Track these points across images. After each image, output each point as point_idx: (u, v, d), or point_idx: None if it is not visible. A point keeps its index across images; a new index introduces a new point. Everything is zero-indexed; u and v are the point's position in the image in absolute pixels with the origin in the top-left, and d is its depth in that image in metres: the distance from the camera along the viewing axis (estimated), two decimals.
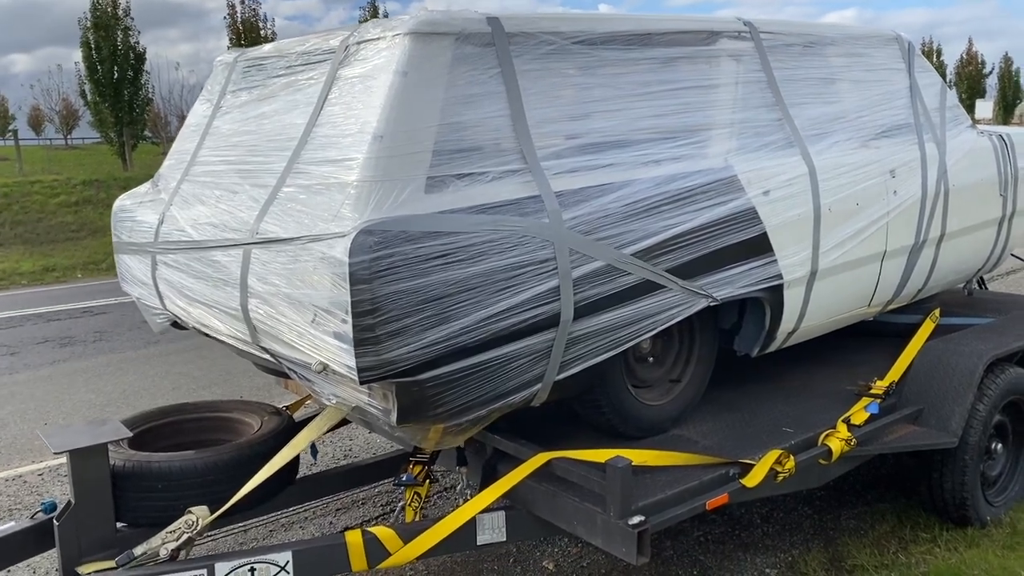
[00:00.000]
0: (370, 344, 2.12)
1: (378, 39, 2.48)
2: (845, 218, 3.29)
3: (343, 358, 2.18)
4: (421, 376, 2.23)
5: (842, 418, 3.12)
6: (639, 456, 2.67)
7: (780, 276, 3.07)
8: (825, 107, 3.39)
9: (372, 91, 2.39)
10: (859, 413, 3.18)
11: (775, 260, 3.04)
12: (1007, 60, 61.87)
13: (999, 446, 3.47)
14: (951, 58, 56.91)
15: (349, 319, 2.11)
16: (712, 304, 2.89)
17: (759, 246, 2.98)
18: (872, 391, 3.33)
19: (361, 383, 2.18)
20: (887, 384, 3.35)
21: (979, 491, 3.34)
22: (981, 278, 5.07)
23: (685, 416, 3.15)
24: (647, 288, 2.68)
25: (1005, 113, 58.80)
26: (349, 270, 2.10)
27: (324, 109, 2.58)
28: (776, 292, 3.10)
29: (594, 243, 2.52)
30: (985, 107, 49.34)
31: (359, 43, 2.55)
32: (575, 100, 2.68)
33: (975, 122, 4.44)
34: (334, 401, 2.53)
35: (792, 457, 2.81)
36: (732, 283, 2.92)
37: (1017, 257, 5.23)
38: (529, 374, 2.49)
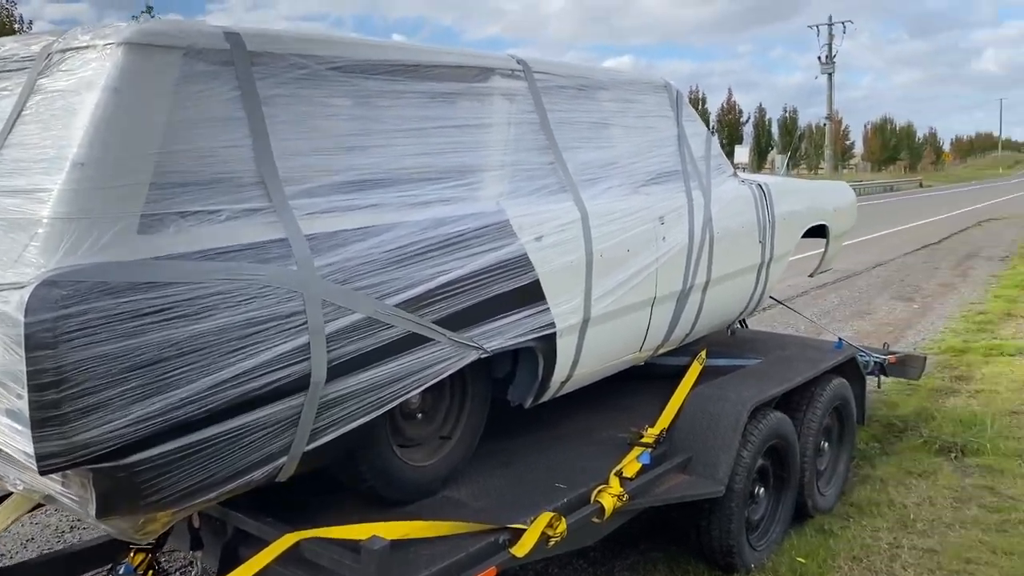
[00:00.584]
0: (54, 425, 1.71)
1: (87, 48, 2.06)
2: (616, 264, 3.24)
3: (19, 442, 1.74)
4: (127, 460, 1.83)
5: (614, 471, 3.03)
6: (400, 529, 2.41)
7: (553, 324, 2.94)
8: (598, 152, 3.34)
9: (75, 109, 1.97)
10: (631, 464, 3.11)
11: (547, 308, 2.91)
12: (761, 110, 68.91)
13: (761, 490, 3.55)
14: (714, 106, 62.40)
15: (25, 394, 1.68)
16: (483, 356, 2.70)
17: (531, 294, 2.84)
18: (643, 439, 3.28)
19: (42, 473, 1.74)
20: (658, 432, 3.32)
21: (744, 537, 3.38)
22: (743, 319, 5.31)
23: (456, 475, 2.93)
24: (413, 342, 2.43)
25: (759, 158, 65.22)
26: (25, 331, 1.67)
27: (16, 127, 2.11)
28: (549, 341, 2.97)
29: (352, 293, 2.24)
30: (743, 152, 54.43)
31: (64, 51, 2.12)
32: (332, 132, 2.39)
33: (737, 168, 4.64)
34: (20, 488, 2.05)
35: (564, 520, 2.66)
36: (504, 333, 2.74)
37: (774, 300, 5.54)
38: (272, 447, 2.15)
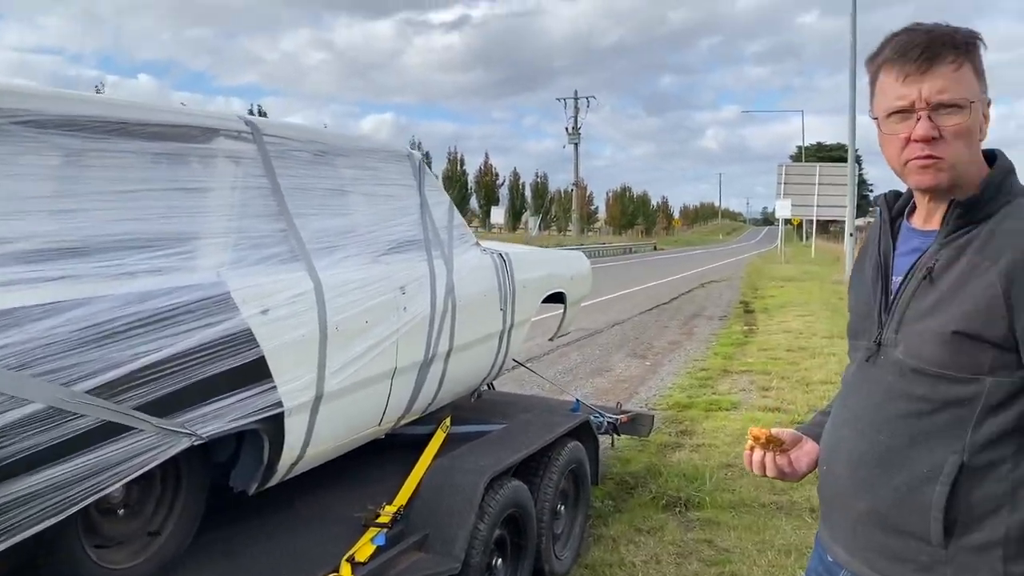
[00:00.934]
0: None
1: None
2: (354, 336, 3.13)
3: None
4: None
5: (346, 556, 2.87)
6: None
7: (280, 404, 2.76)
8: (335, 220, 3.24)
9: None
10: (365, 547, 2.96)
11: (274, 387, 2.73)
12: (515, 174, 72.44)
13: (499, 561, 3.54)
14: (472, 168, 64.66)
15: None
16: (198, 443, 2.46)
17: (255, 372, 2.64)
18: (380, 519, 3.16)
19: None
20: (395, 510, 3.22)
21: None
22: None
23: (167, 573, 2.63)
24: (109, 432, 2.16)
25: (514, 220, 68.27)
26: None
27: None
28: (276, 421, 2.78)
29: (28, 380, 1.94)
30: (499, 214, 56.70)
31: None
32: (14, 195, 2.09)
33: (492, 230, 4.73)
34: None
35: None
36: (222, 416, 2.52)
37: (517, 362, 5.68)
38: None
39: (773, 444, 1.76)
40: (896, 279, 1.60)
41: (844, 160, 29.43)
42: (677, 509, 4.99)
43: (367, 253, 3.37)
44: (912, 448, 1.50)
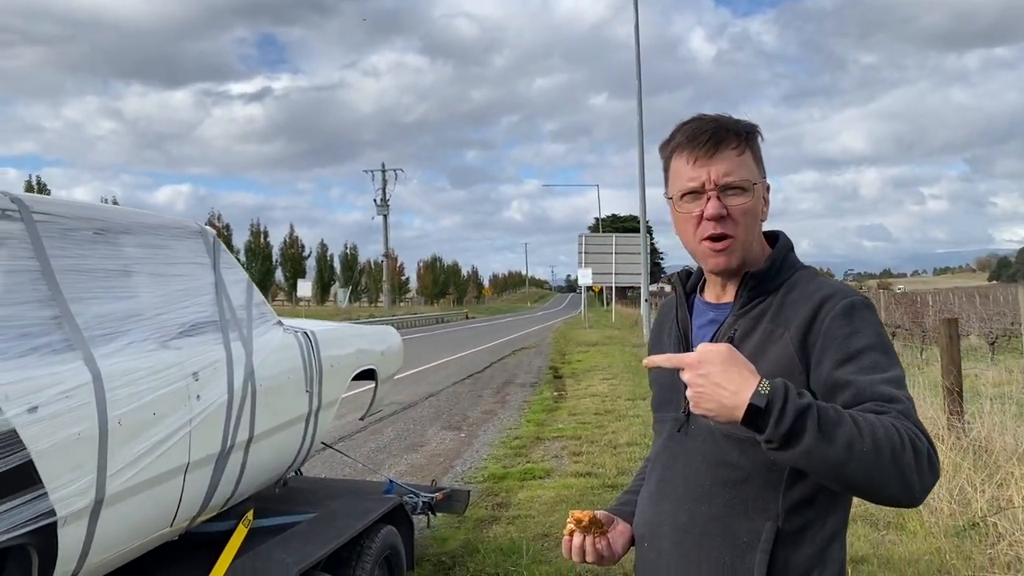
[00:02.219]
0: None
1: None
2: (139, 431, 2.85)
3: None
4: None
5: None
6: None
7: (52, 512, 2.44)
8: (117, 303, 2.97)
9: None
10: None
11: (45, 493, 2.41)
12: (323, 246, 71.36)
13: None
14: (276, 240, 62.86)
15: None
16: None
17: (22, 478, 2.33)
18: None
19: None
20: None
21: None
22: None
23: None
24: None
25: (322, 292, 66.91)
26: None
27: None
28: (47, 533, 2.45)
29: None
30: (306, 286, 55.30)
31: None
32: None
33: (300, 303, 4.54)
34: None
35: None
36: None
37: (325, 444, 5.45)
38: None
39: (595, 527, 1.73)
40: None
41: (637, 230, 31.43)
42: None
43: (155, 338, 3.11)
44: (731, 516, 1.55)
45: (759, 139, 1.67)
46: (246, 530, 3.86)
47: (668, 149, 1.70)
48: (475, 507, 6.43)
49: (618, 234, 38.39)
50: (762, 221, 1.68)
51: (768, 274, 1.64)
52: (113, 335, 2.87)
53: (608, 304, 53.91)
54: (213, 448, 3.35)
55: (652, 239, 59.50)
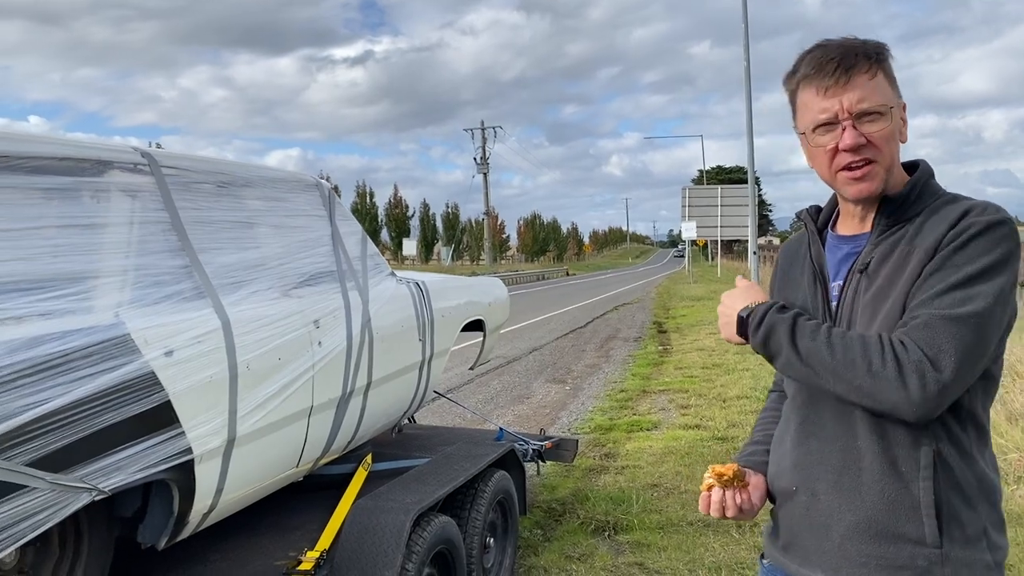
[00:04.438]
0: None
1: None
2: (266, 375, 2.98)
3: None
4: None
5: None
6: None
7: (190, 450, 2.59)
8: (242, 253, 3.08)
9: None
10: None
11: (182, 432, 2.55)
12: (425, 206, 72.32)
13: None
14: (381, 201, 64.24)
15: None
16: (100, 498, 2.27)
17: (161, 418, 2.47)
18: (302, 566, 3.00)
19: None
20: (318, 555, 3.06)
21: None
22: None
23: None
24: None
25: (426, 251, 68.06)
26: None
27: None
28: (185, 470, 2.60)
29: None
30: (410, 246, 56.38)
31: None
32: None
33: (405, 261, 4.63)
34: None
35: None
36: (126, 468, 2.34)
37: (438, 393, 5.57)
38: None
39: (738, 481, 1.67)
40: (835, 284, 1.62)
41: (743, 182, 30.50)
42: (606, 533, 4.95)
43: (277, 287, 3.23)
44: (889, 448, 1.50)
45: (890, 58, 1.57)
46: (366, 473, 4.00)
47: (793, 81, 1.62)
48: (583, 457, 6.47)
49: (724, 186, 37.35)
50: (902, 142, 1.59)
51: (908, 199, 1.56)
52: (239, 284, 2.99)
53: (713, 259, 52.79)
54: (334, 393, 3.47)
55: (760, 190, 57.72)
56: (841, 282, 1.60)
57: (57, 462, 2.12)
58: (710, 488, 1.68)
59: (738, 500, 1.68)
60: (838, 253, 1.65)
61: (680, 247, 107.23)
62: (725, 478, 1.66)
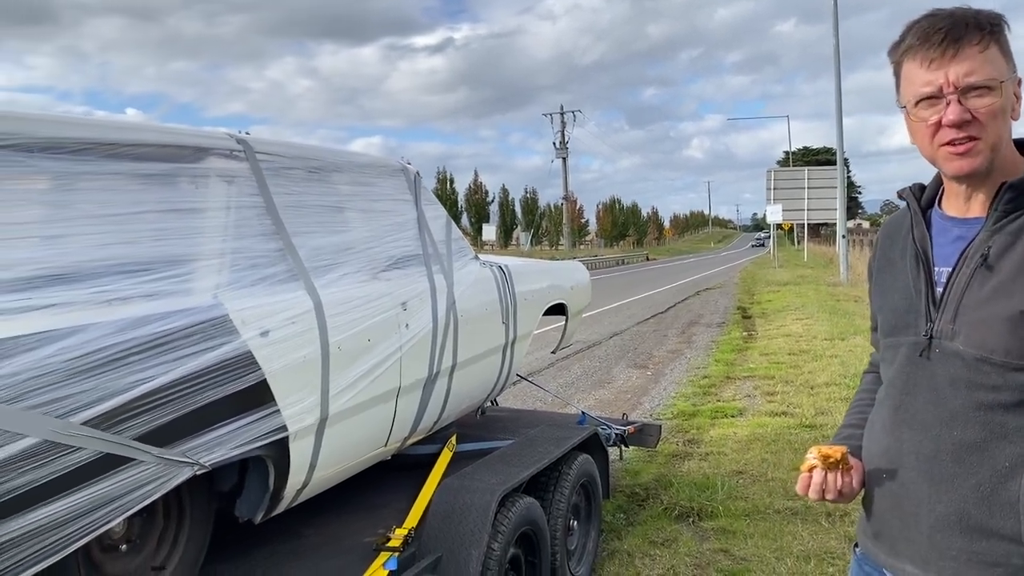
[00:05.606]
0: None
1: None
2: (356, 356, 3.04)
3: None
4: None
5: None
6: None
7: (285, 428, 2.67)
8: (332, 237, 3.15)
9: None
10: (377, 573, 2.87)
11: (278, 410, 2.63)
12: (504, 191, 72.60)
13: None
14: (461, 187, 64.82)
15: None
16: (201, 472, 2.37)
17: (258, 396, 2.55)
18: (391, 543, 3.06)
19: None
20: (405, 532, 3.12)
21: None
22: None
23: None
24: (108, 464, 2.06)
25: (505, 236, 68.34)
26: None
27: None
28: (280, 446, 2.68)
29: (20, 414, 1.85)
30: (490, 231, 56.72)
31: None
32: None
33: (484, 246, 4.67)
34: None
35: None
36: (225, 444, 2.42)
37: (520, 376, 5.59)
38: None
39: (843, 464, 1.62)
40: (942, 269, 1.54)
41: (831, 163, 29.56)
42: (690, 519, 4.90)
43: (366, 270, 3.29)
44: (989, 441, 1.43)
45: (1006, 30, 1.48)
46: (451, 453, 4.06)
47: (898, 52, 1.53)
48: (665, 442, 6.41)
49: (811, 167, 36.24)
50: (1013, 120, 1.50)
51: None
52: (330, 266, 3.06)
53: (799, 243, 51.38)
54: (421, 374, 3.52)
55: (849, 172, 55.78)
56: (949, 268, 1.51)
57: (162, 437, 2.21)
58: (811, 469, 1.63)
59: (839, 483, 1.62)
60: (947, 235, 1.56)
61: (762, 234, 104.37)
62: (831, 460, 1.60)
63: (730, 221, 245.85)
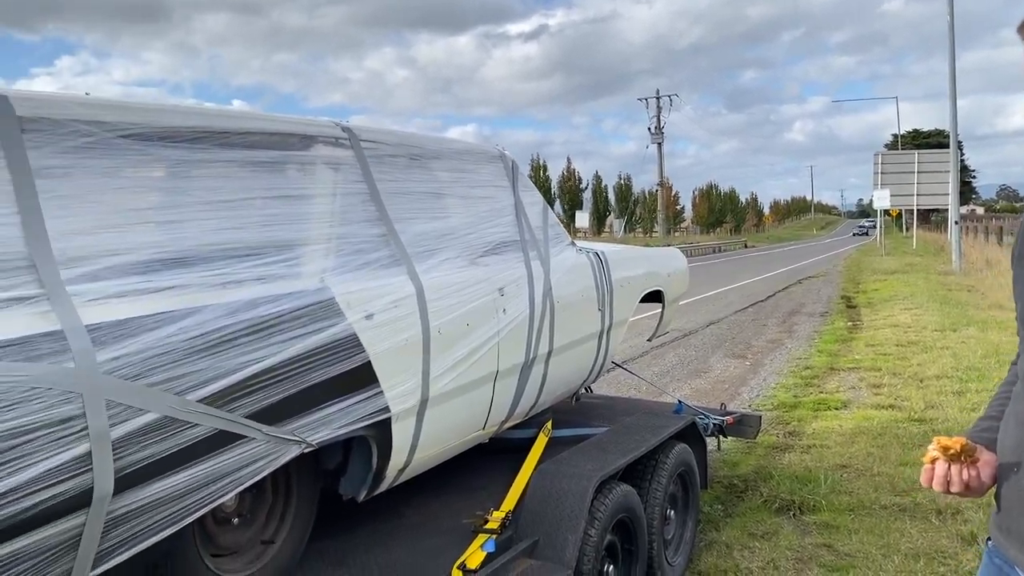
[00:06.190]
0: None
1: None
2: (456, 340, 3.08)
3: None
4: None
5: (457, 564, 2.82)
6: None
7: (387, 409, 2.73)
8: (433, 223, 3.20)
9: None
10: (475, 554, 2.91)
11: (381, 391, 2.70)
12: (598, 178, 71.99)
13: (611, 568, 3.43)
14: (555, 174, 64.70)
15: None
16: (308, 450, 2.45)
17: (362, 377, 2.62)
18: (488, 524, 3.10)
19: None
20: (503, 515, 3.15)
21: None
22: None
23: None
24: (222, 441, 2.16)
25: (598, 223, 67.87)
26: None
27: None
28: (383, 427, 2.75)
29: (144, 390, 1.95)
30: (583, 218, 56.46)
31: None
32: (122, 207, 2.11)
33: (577, 233, 4.65)
34: None
35: None
36: (331, 423, 2.50)
37: (615, 363, 5.56)
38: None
39: (966, 455, 1.56)
40: None
41: (942, 146, 28.11)
42: (791, 513, 4.77)
43: (465, 256, 3.32)
44: None
45: None
46: (546, 438, 4.08)
47: None
48: (765, 434, 6.26)
49: (921, 151, 34.54)
50: None
51: None
52: (431, 252, 3.11)
53: (908, 229, 49.15)
54: (518, 359, 3.54)
55: (962, 155, 52.91)
56: None
57: (271, 416, 2.29)
58: (933, 461, 1.57)
59: (965, 476, 1.55)
60: None
61: (865, 222, 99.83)
62: (951, 452, 1.54)
63: (834, 207, 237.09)
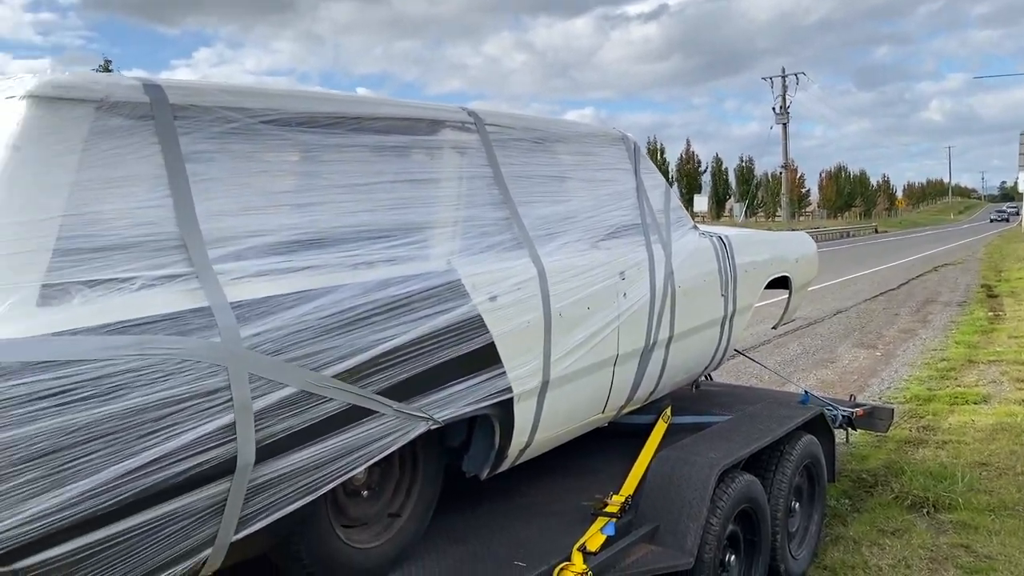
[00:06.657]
0: None
1: None
2: (577, 323, 3.08)
3: None
4: (18, 564, 1.60)
5: (577, 545, 2.83)
6: None
7: (510, 389, 2.77)
8: (555, 206, 3.20)
9: None
10: (595, 537, 2.91)
11: (504, 372, 2.73)
12: (718, 160, 70.28)
13: (732, 558, 3.36)
14: (673, 157, 63.54)
15: None
16: (434, 427, 2.51)
17: (486, 358, 2.66)
18: (608, 508, 3.09)
19: None
20: (623, 499, 3.14)
21: None
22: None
23: (406, 556, 2.71)
24: (354, 415, 2.24)
25: (718, 207, 66.27)
26: None
27: None
28: (506, 407, 2.79)
29: (284, 365, 2.05)
30: (702, 201, 55.25)
31: None
32: (264, 190, 2.21)
33: (696, 217, 4.56)
34: None
35: None
36: (456, 401, 2.56)
37: (738, 351, 5.42)
38: (193, 539, 1.93)
39: None
40: None
41: None
42: (925, 510, 4.55)
43: (587, 239, 3.31)
44: None
45: None
46: (666, 425, 4.03)
47: None
48: (897, 428, 5.98)
49: None
50: None
51: None
52: (553, 235, 3.11)
53: None
54: (638, 344, 3.51)
55: None
56: None
57: (401, 392, 2.36)
58: None
59: None
60: None
61: (1006, 206, 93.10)
62: None
63: (974, 190, 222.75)
